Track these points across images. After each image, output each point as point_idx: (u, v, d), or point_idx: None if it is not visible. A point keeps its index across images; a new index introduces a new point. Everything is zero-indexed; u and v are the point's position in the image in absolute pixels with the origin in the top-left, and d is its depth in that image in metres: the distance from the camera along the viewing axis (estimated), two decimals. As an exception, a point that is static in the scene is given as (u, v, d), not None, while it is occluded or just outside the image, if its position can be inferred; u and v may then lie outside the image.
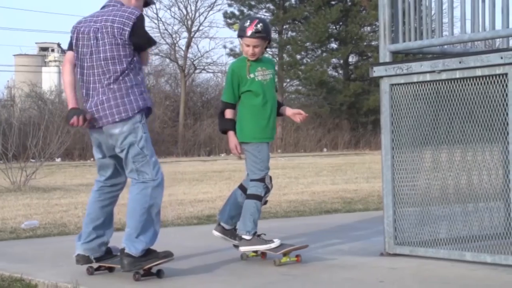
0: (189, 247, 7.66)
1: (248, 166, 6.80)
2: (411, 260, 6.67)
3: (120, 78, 6.15)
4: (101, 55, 6.16)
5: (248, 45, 6.78)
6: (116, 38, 6.12)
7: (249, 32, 6.77)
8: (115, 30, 6.12)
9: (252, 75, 6.80)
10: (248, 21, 6.86)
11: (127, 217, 6.15)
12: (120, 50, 6.15)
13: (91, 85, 6.24)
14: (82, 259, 6.31)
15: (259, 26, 6.80)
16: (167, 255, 6.14)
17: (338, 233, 8.53)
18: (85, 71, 6.27)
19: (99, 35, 6.17)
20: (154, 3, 6.94)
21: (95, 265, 6.35)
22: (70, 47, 6.39)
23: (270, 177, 6.81)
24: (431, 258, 6.64)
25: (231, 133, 6.78)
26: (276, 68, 45.30)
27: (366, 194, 13.48)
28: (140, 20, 6.19)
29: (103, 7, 6.36)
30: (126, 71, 6.16)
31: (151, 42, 6.48)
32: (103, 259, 6.36)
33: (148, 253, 6.05)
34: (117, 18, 6.15)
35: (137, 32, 6.16)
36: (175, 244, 7.83)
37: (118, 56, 6.15)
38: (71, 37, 6.37)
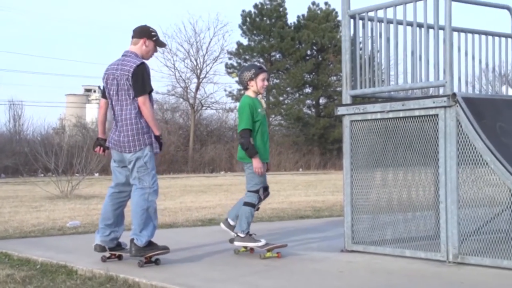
0: (195, 243, 7.61)
1: (247, 180, 6.80)
2: (364, 255, 6.65)
3: (133, 116, 6.23)
4: (119, 97, 6.29)
5: (264, 79, 6.84)
6: (125, 84, 6.20)
7: (264, 68, 6.88)
8: (124, 77, 6.21)
9: (260, 110, 6.82)
10: (257, 63, 6.99)
11: (132, 216, 6.28)
12: (130, 94, 6.23)
13: (117, 118, 6.37)
14: (99, 248, 6.49)
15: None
16: (164, 248, 6.28)
17: (309, 234, 8.50)
18: (113, 107, 6.39)
19: (119, 81, 6.26)
20: (165, 45, 6.84)
21: (107, 254, 6.49)
22: (103, 95, 6.50)
23: (264, 189, 6.80)
24: (379, 254, 6.63)
25: (258, 158, 6.65)
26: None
27: (331, 204, 13.44)
28: (138, 69, 6.20)
29: (122, 55, 6.42)
30: (138, 111, 6.23)
31: (145, 88, 6.21)
32: (114, 250, 6.53)
33: (150, 245, 6.22)
34: (126, 67, 6.24)
35: (134, 78, 6.20)
36: (184, 241, 7.81)
37: (129, 99, 6.23)
38: (103, 82, 6.45)
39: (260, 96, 6.97)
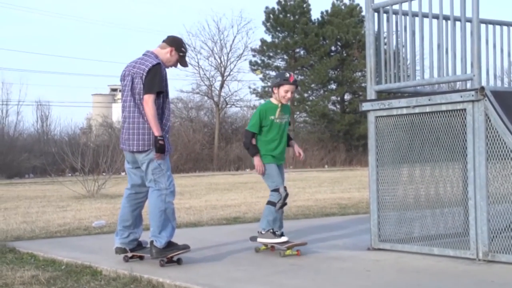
0: (219, 242, 7.53)
1: (265, 182, 6.83)
2: (391, 253, 6.53)
3: (144, 114, 6.13)
4: (133, 95, 6.19)
5: (287, 91, 6.82)
6: (139, 83, 6.15)
7: (292, 80, 6.79)
8: (139, 75, 6.15)
9: (272, 117, 6.81)
10: (287, 74, 6.90)
11: (150, 218, 6.21)
12: (142, 93, 6.13)
13: (127, 116, 6.23)
14: (120, 250, 6.45)
15: (296, 77, 6.91)
16: (185, 247, 6.20)
17: (335, 232, 8.38)
18: (123, 103, 6.30)
19: (134, 79, 6.19)
20: (186, 66, 6.63)
21: (129, 254, 6.44)
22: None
23: (285, 187, 6.72)
24: (406, 252, 6.50)
25: (258, 157, 6.75)
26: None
27: (357, 201, 13.30)
28: (153, 68, 6.11)
29: (143, 54, 6.36)
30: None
31: (152, 87, 6.06)
32: (136, 250, 6.45)
33: (170, 245, 6.15)
34: (142, 66, 6.18)
35: (146, 77, 6.11)
36: (208, 240, 7.74)
37: (142, 98, 6.13)
38: (120, 79, 6.40)
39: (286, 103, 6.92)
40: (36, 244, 7.77)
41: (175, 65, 6.45)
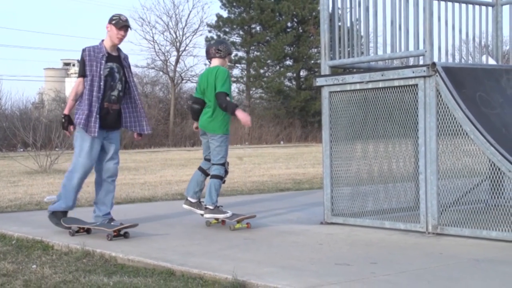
0: (173, 217, 7.54)
1: (213, 153, 6.72)
2: (344, 227, 6.62)
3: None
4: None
5: (230, 62, 6.82)
6: None
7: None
8: None
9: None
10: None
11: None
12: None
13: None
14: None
15: None
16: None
17: (289, 206, 8.46)
18: None
19: None
20: (122, 26, 6.58)
21: (75, 228, 6.46)
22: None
23: (228, 163, 6.78)
24: (359, 226, 6.60)
25: (240, 109, 6.65)
26: (244, 79, 45.51)
27: (311, 176, 13.41)
28: (82, 53, 6.53)
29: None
30: (85, 91, 6.48)
31: (78, 72, 6.57)
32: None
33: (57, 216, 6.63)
34: None
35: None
36: (163, 215, 7.73)
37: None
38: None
39: None
40: (-14, 220, 7.66)
41: (122, 36, 6.58)
